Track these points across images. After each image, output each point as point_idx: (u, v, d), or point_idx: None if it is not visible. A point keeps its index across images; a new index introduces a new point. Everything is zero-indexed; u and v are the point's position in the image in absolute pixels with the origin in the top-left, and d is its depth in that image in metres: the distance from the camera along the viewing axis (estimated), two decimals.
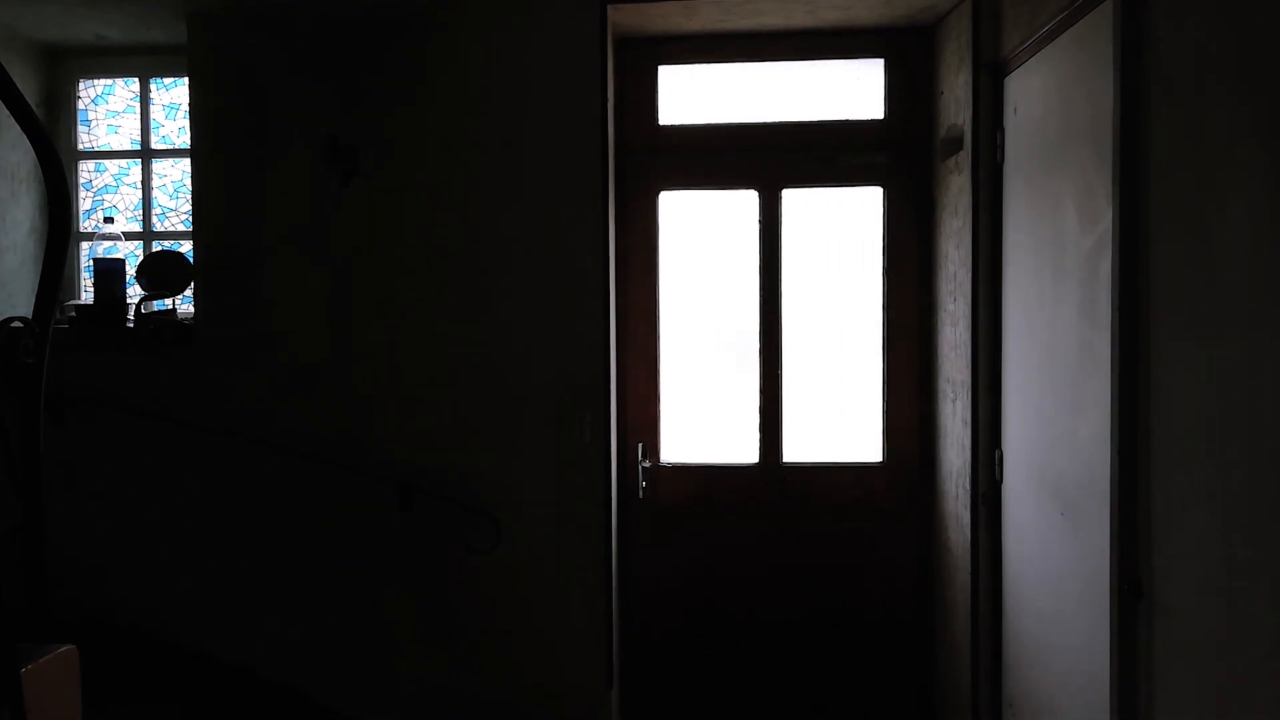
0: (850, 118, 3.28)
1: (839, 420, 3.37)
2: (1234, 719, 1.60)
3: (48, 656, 1.20)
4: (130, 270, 3.23)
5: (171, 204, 3.58)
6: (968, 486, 2.82)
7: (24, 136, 1.33)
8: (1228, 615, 1.61)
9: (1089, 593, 2.10)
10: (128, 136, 3.59)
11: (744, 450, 3.33)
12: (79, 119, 3.59)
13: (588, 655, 2.97)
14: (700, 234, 3.35)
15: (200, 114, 3.06)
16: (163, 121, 3.58)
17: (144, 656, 3.02)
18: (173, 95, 3.56)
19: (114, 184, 3.61)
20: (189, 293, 3.21)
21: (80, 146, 3.59)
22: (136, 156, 3.57)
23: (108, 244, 3.30)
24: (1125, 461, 1.93)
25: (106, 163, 3.60)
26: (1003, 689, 2.69)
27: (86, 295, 3.51)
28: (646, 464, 3.28)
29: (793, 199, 3.30)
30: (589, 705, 2.97)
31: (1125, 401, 1.93)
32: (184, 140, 3.49)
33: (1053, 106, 2.33)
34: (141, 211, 3.57)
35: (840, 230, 3.33)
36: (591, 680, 2.97)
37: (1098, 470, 2.04)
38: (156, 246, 3.54)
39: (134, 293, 3.21)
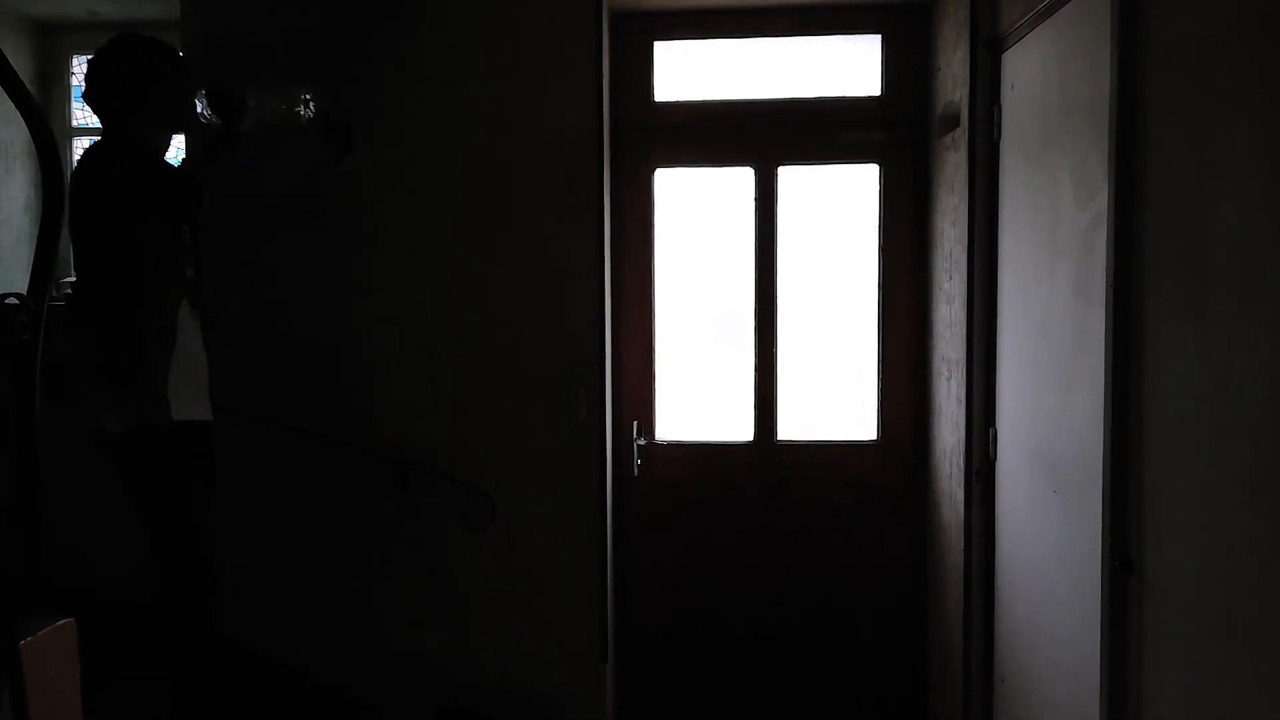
0: (847, 94, 3.27)
1: (834, 398, 3.38)
2: (1223, 694, 1.62)
3: (46, 629, 1.21)
4: None
5: None
6: (961, 464, 2.83)
7: (17, 112, 1.32)
8: (1219, 592, 1.62)
9: (1081, 569, 2.12)
10: None
11: (739, 428, 3.34)
12: (72, 95, 3.57)
13: (583, 629, 2.99)
14: (696, 212, 3.35)
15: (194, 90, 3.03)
16: None
17: (136, 630, 3.03)
18: None
19: None
20: None
21: (74, 123, 3.58)
22: None
23: None
24: (1118, 439, 1.94)
25: None
26: (994, 663, 2.72)
27: None
28: (642, 442, 3.29)
29: (789, 176, 3.29)
30: (585, 678, 2.99)
31: (1119, 379, 1.94)
32: None
33: (1050, 82, 2.32)
34: None
35: (836, 208, 3.33)
36: (587, 654, 2.99)
37: (1091, 448, 2.05)
38: None
39: None
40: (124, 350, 2.23)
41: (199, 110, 2.39)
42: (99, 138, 2.36)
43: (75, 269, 2.35)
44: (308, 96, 2.49)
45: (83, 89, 2.37)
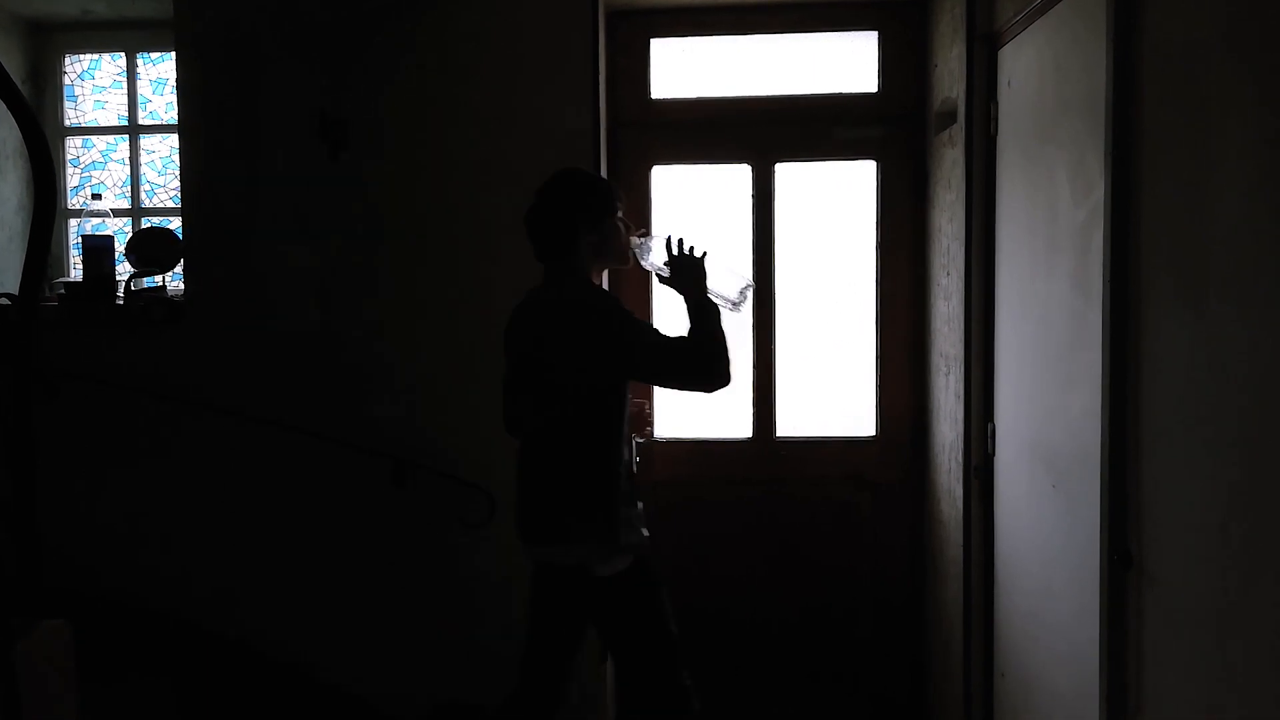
0: (844, 91, 3.26)
1: (832, 394, 3.37)
2: (1222, 688, 1.62)
3: (41, 631, 1.20)
4: (119, 247, 3.21)
5: (160, 180, 3.56)
6: (960, 459, 2.83)
7: (9, 112, 1.31)
8: (1216, 584, 1.62)
9: (1080, 563, 2.11)
10: (115, 112, 3.56)
11: (738, 425, 3.34)
12: (65, 94, 3.55)
13: None
14: (694, 209, 3.34)
15: (188, 89, 3.02)
16: (150, 97, 3.55)
17: (136, 631, 3.02)
18: (160, 70, 3.53)
19: (102, 160, 3.59)
20: (179, 269, 3.19)
21: (67, 122, 3.56)
22: (124, 132, 3.54)
23: (96, 221, 3.28)
24: (1116, 433, 1.94)
25: (94, 139, 3.57)
26: (994, 657, 2.72)
27: (76, 273, 3.49)
28: (640, 439, 3.29)
29: (786, 173, 3.28)
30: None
31: (1117, 374, 1.94)
32: (172, 115, 3.46)
33: (1047, 78, 2.31)
34: (130, 188, 3.55)
35: (834, 204, 3.33)
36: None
37: (1089, 442, 2.05)
38: (145, 223, 3.52)
39: (123, 270, 3.19)
40: (603, 497, 2.31)
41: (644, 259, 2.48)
42: (549, 279, 2.43)
43: (536, 408, 2.39)
44: (748, 281, 2.56)
45: (530, 237, 2.42)
